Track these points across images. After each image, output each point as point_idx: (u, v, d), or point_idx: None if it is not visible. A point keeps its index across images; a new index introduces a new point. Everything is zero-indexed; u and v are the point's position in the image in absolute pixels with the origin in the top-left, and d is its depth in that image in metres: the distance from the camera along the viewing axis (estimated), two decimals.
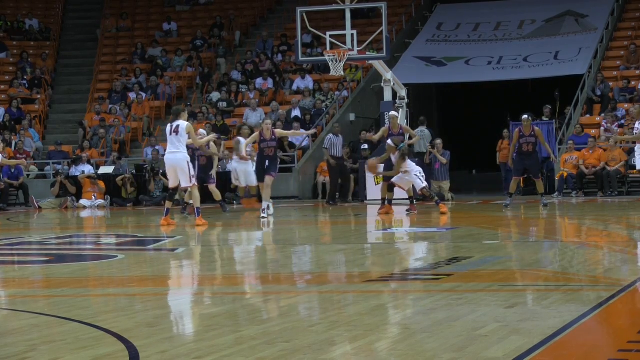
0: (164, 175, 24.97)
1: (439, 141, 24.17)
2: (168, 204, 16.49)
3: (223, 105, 29.10)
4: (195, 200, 16.36)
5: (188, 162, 15.83)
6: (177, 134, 15.66)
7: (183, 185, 16.07)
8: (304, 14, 21.90)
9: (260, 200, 19.72)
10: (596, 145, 23.84)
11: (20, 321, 6.78)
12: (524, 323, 6.02)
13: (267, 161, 18.10)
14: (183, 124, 15.73)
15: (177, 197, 22.53)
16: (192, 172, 15.98)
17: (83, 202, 25.08)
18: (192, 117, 29.00)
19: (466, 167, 32.18)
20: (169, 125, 16.06)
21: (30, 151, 28.21)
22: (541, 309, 6.60)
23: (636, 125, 17.66)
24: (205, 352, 5.41)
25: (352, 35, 21.24)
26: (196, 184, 16.30)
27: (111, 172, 25.98)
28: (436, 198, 18.68)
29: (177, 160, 15.77)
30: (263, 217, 17.59)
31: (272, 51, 31.97)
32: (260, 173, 18.27)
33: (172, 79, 31.32)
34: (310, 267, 10.23)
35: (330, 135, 23.37)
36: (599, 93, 26.42)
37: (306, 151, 26.22)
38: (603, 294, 7.22)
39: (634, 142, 18.17)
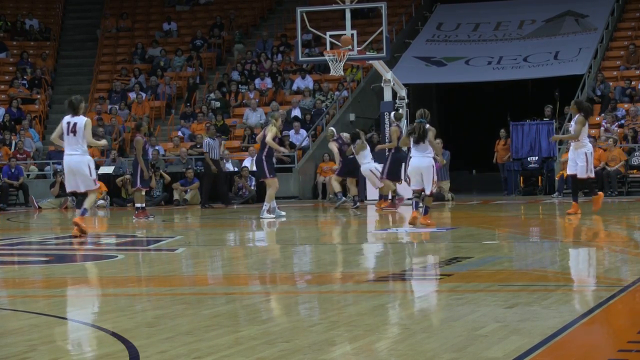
0: (166, 173, 25.08)
1: (438, 141, 24.16)
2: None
3: (216, 104, 29.12)
4: (90, 203, 14.25)
5: (89, 165, 13.86)
6: (74, 134, 13.58)
7: (84, 189, 13.94)
8: (304, 14, 21.92)
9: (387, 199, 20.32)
10: (596, 145, 23.83)
11: (20, 321, 6.77)
12: (524, 323, 6.02)
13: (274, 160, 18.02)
14: (81, 121, 13.58)
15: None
16: (94, 175, 14.01)
17: None
18: (192, 117, 29.09)
19: (466, 167, 32.19)
20: (65, 121, 13.72)
21: (30, 151, 28.22)
22: (541, 309, 6.60)
23: (571, 123, 16.51)
24: (205, 352, 5.41)
25: (352, 35, 21.25)
26: (98, 187, 14.41)
27: (111, 172, 25.99)
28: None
29: (76, 163, 13.73)
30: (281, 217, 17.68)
31: (271, 51, 31.99)
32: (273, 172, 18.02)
33: (172, 79, 31.33)
34: (310, 267, 10.22)
35: (208, 139, 23.41)
36: (599, 93, 26.43)
37: (306, 151, 26.22)
38: (603, 294, 7.22)
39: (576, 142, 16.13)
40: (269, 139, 17.51)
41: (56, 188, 25.25)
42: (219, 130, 27.64)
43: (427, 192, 14.22)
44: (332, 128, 22.53)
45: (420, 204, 14.41)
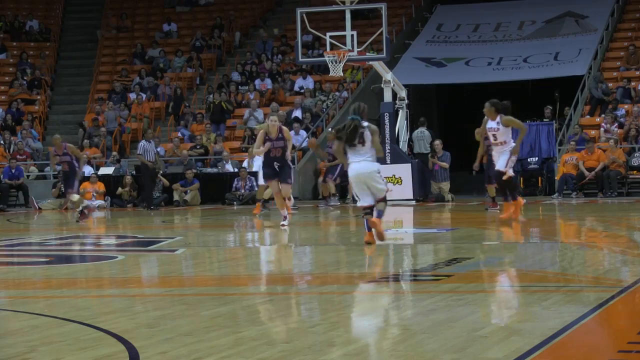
0: (164, 175, 25.08)
1: (438, 142, 24.25)
2: None
3: (227, 104, 29.15)
4: None
5: None
6: None
7: None
8: (304, 15, 21.91)
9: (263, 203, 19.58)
10: (595, 147, 23.83)
11: (20, 322, 6.77)
12: (524, 324, 6.02)
13: (275, 163, 15.80)
14: None
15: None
16: None
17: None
18: (192, 118, 29.08)
19: (466, 168, 32.16)
20: None
21: (30, 152, 28.22)
22: (541, 309, 6.60)
23: (495, 125, 14.62)
24: (205, 353, 5.41)
25: (352, 36, 21.25)
26: None
27: (111, 172, 25.99)
28: None
29: None
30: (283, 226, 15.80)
31: (271, 52, 31.99)
32: (270, 175, 15.92)
33: (172, 80, 31.32)
34: (310, 268, 10.22)
35: (143, 141, 23.43)
36: (600, 94, 26.42)
37: (306, 152, 26.20)
38: (603, 294, 7.21)
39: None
40: (255, 148, 16.08)
41: (57, 189, 25.26)
42: (213, 123, 27.89)
43: (379, 196, 11.31)
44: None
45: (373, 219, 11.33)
